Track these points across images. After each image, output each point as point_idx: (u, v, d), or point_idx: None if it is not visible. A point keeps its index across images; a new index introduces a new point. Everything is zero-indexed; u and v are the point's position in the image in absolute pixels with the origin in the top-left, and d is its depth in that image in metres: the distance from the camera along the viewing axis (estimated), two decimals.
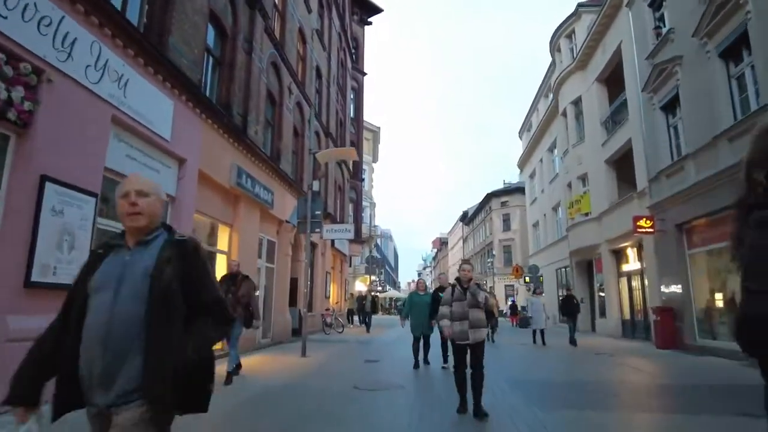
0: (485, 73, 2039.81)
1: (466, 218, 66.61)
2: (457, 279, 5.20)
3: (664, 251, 12.79)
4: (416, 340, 8.81)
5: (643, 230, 12.94)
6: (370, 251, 25.61)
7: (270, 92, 13.05)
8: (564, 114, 21.37)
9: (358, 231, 26.16)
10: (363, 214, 31.84)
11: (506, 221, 48.53)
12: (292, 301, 14.89)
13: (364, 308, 18.10)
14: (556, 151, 24.85)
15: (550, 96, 25.94)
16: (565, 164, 21.13)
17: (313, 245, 17.97)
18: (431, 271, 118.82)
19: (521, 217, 46.97)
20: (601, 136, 17.75)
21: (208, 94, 9.51)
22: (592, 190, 18.67)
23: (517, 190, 48.66)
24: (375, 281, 49.53)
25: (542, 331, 13.95)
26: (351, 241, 24.91)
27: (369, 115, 44.91)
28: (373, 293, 20.19)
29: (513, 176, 70.65)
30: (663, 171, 12.74)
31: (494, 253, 46.95)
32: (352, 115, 27.11)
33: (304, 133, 16.53)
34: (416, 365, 8.49)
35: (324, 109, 19.85)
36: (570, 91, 20.42)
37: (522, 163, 32.55)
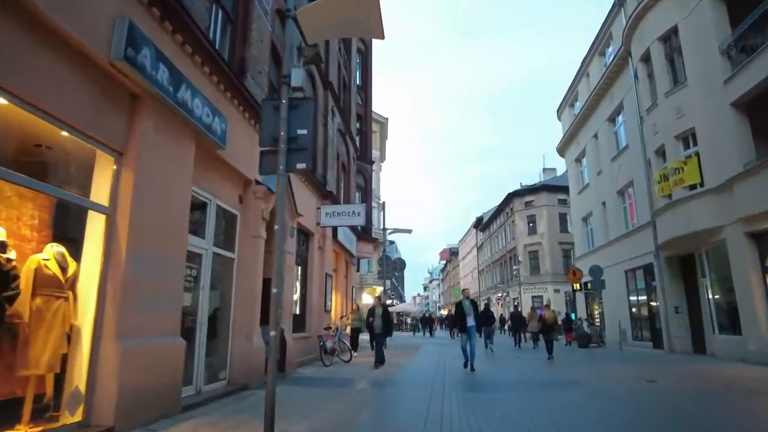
0: (482, 96, 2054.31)
1: (480, 224, 60.87)
2: None
3: None
4: None
5: None
6: (384, 251, 19.97)
7: None
8: (645, 59, 15.90)
9: (366, 226, 20.58)
10: (383, 218, 26.29)
11: (531, 224, 42.81)
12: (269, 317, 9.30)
13: (373, 327, 11.23)
14: (621, 117, 19.31)
15: (608, 52, 20.56)
16: (651, 123, 15.55)
17: (307, 234, 12.42)
18: (439, 284, 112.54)
19: (549, 218, 41.40)
20: (722, 71, 12.25)
21: None
22: (704, 150, 13.09)
23: (543, 188, 43.16)
24: (389, 292, 43.87)
25: None
26: (359, 238, 19.33)
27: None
28: (385, 302, 14.08)
29: (528, 178, 64.92)
30: None
31: (520, 259, 41.15)
32: (358, 82, 21.75)
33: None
34: None
35: (321, 50, 14.45)
36: (656, 24, 15.00)
37: (563, 147, 26.98)
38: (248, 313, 7.96)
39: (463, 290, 11.19)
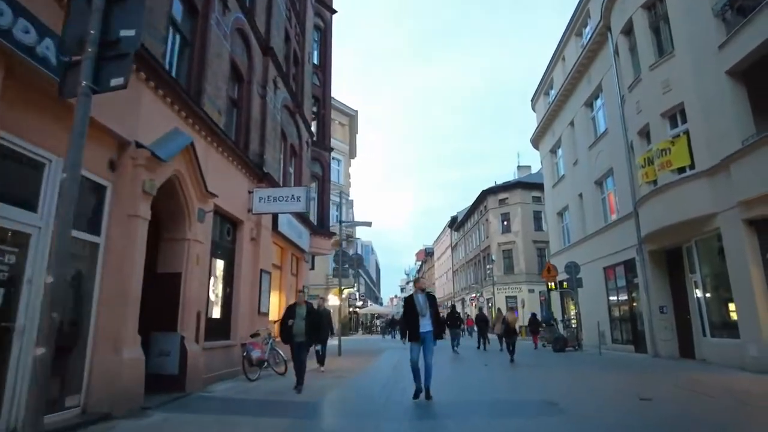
0: (459, 102, 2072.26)
1: (455, 223, 59.45)
2: None
3: None
4: None
5: None
6: (341, 245, 17.98)
7: None
8: (627, 31, 14.38)
9: (322, 219, 18.59)
10: (339, 211, 24.27)
11: (506, 222, 41.45)
12: (166, 321, 7.29)
13: (291, 333, 8.12)
14: (599, 100, 17.83)
15: (585, 31, 19.10)
16: (633, 102, 14.00)
17: (234, 222, 10.40)
18: None
19: (524, 216, 40.13)
20: (716, 36, 10.73)
21: None
22: (695, 127, 11.56)
23: (517, 185, 41.87)
24: (353, 294, 41.78)
25: None
26: (314, 232, 17.31)
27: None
28: (320, 300, 11.37)
29: (504, 180, 63.49)
30: None
31: (494, 258, 39.72)
32: (316, 61, 19.75)
33: (209, 15, 9.09)
34: None
35: (262, 12, 12.46)
36: None
37: (537, 138, 25.51)
38: (117, 316, 5.90)
39: (416, 280, 7.98)
